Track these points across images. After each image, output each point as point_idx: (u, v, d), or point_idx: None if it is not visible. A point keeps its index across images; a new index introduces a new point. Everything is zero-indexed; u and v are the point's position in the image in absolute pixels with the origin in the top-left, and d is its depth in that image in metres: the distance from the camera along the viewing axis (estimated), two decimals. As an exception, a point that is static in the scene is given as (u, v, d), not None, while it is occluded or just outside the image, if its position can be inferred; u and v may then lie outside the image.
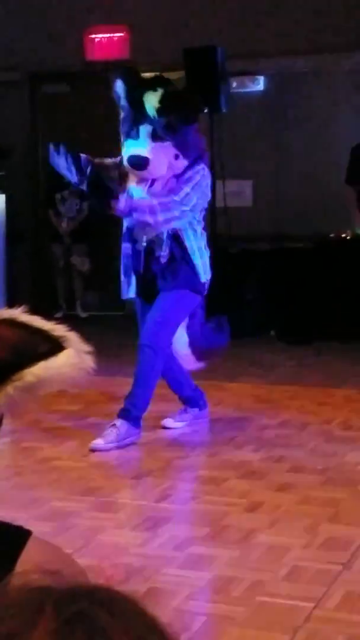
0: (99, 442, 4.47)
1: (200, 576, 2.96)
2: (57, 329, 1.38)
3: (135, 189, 4.56)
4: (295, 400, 5.39)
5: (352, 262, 7.48)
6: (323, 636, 2.54)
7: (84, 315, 9.18)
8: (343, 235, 7.80)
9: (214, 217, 8.70)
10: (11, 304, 1.41)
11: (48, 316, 1.42)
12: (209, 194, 4.75)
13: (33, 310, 1.39)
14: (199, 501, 3.74)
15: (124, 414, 4.59)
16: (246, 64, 8.88)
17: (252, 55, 8.76)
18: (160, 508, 3.67)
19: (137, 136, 4.52)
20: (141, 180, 4.56)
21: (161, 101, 4.46)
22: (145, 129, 4.50)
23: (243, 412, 5.27)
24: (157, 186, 4.55)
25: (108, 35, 9.29)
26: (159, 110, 4.45)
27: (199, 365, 4.89)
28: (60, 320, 1.42)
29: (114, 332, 8.46)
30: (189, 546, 3.22)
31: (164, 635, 0.64)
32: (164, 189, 4.53)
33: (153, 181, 4.54)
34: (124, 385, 6.28)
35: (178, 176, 4.54)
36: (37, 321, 1.37)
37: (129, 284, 4.81)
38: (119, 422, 4.55)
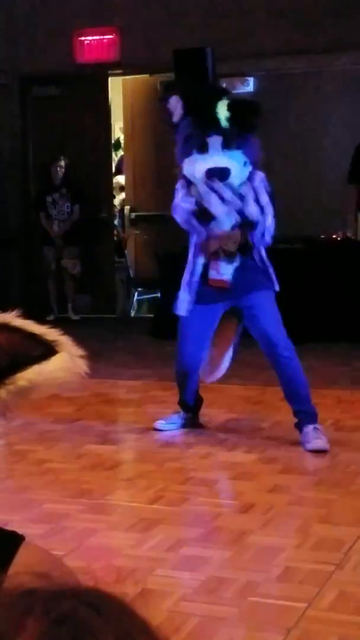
0: (324, 447, 4.44)
1: (192, 577, 2.97)
2: (50, 333, 1.38)
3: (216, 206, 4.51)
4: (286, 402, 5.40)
5: (341, 263, 7.50)
6: (316, 636, 2.55)
7: (75, 318, 9.18)
8: (334, 237, 7.83)
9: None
10: (3, 308, 1.42)
11: (40, 320, 1.43)
12: None
13: (25, 314, 1.40)
14: (192, 503, 3.75)
15: (310, 418, 4.56)
16: (236, 66, 8.89)
17: (241, 56, 8.78)
18: (152, 510, 3.67)
19: (206, 150, 4.46)
20: (217, 190, 4.51)
21: (230, 109, 4.42)
22: (215, 140, 4.44)
23: (235, 414, 5.29)
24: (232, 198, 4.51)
25: (98, 37, 9.30)
26: (229, 119, 4.41)
27: (218, 376, 4.88)
28: (52, 324, 1.43)
29: (106, 335, 8.47)
30: (181, 547, 3.23)
31: (154, 635, 0.64)
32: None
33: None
34: (117, 387, 6.30)
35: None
36: (30, 325, 1.38)
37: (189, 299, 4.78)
38: (312, 426, 4.52)
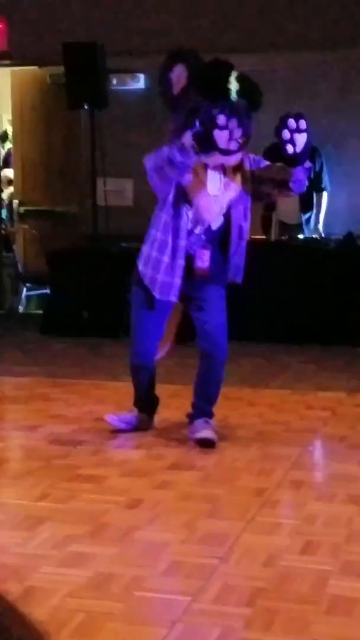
0: (212, 437, 4.51)
1: (79, 574, 2.97)
2: None
3: (210, 179, 4.28)
4: (175, 398, 5.45)
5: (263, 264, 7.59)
6: (200, 628, 2.60)
7: None
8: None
9: (95, 215, 8.71)
10: None
11: None
12: None
13: None
14: (79, 499, 3.76)
15: (204, 414, 4.61)
16: (126, 61, 8.90)
17: (132, 52, 8.79)
18: (39, 507, 3.66)
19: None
20: (216, 167, 4.28)
21: (241, 83, 4.17)
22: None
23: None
24: (228, 174, 4.32)
25: (-14, 28, 9.17)
26: (239, 92, 4.14)
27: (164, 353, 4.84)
28: None
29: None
30: (68, 544, 3.23)
31: (33, 629, 0.65)
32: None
33: (224, 169, 4.29)
34: (4, 384, 6.24)
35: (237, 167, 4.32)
36: None
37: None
38: (202, 419, 4.58)
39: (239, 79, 4.19)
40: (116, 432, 4.78)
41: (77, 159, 9.50)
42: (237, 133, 4.15)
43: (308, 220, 8.46)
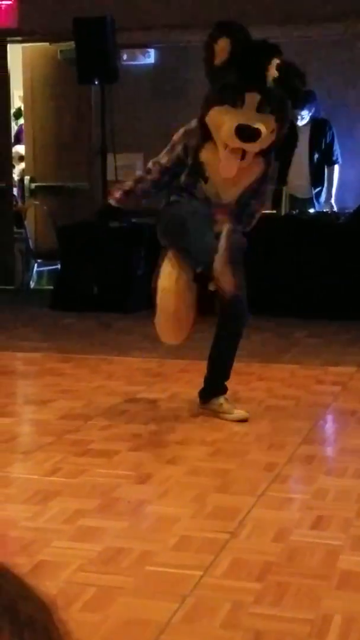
0: (247, 416, 4.56)
1: (90, 548, 2.98)
2: None
3: (224, 159, 4.21)
4: (185, 373, 5.46)
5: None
6: (210, 603, 2.60)
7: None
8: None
9: (105, 191, 8.68)
10: None
11: None
12: None
13: None
14: (90, 474, 3.77)
15: (216, 392, 4.66)
16: (137, 36, 8.85)
17: (142, 27, 8.73)
18: (50, 482, 3.67)
19: (241, 105, 4.12)
20: (234, 151, 4.19)
21: (281, 71, 4.11)
22: (252, 98, 4.11)
23: (133, 386, 5.31)
24: (248, 159, 4.23)
25: (-4, 3, 9.12)
26: (276, 80, 4.10)
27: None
28: None
29: (4, 307, 8.39)
30: (78, 519, 3.25)
31: (40, 603, 0.65)
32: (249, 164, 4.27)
33: (244, 154, 4.21)
34: (15, 359, 6.25)
35: (263, 154, 4.27)
36: None
37: None
38: (221, 399, 4.63)
39: (280, 67, 4.13)
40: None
41: (88, 135, 9.47)
42: (243, 117, 4.11)
43: (319, 194, 8.41)
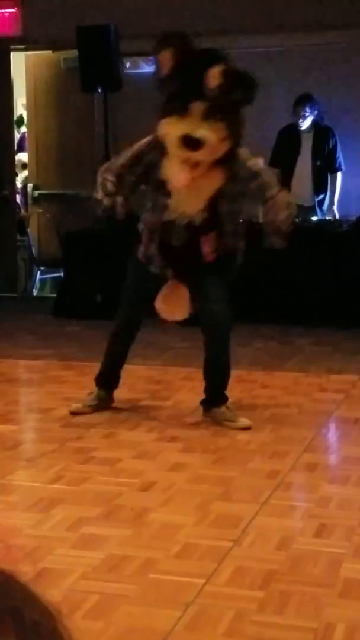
0: (250, 424, 4.59)
1: (93, 556, 2.98)
2: None
3: (176, 171, 4.26)
4: (188, 381, 5.46)
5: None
6: (213, 611, 2.60)
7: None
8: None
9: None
10: None
11: None
12: None
13: None
14: (93, 482, 3.77)
15: (217, 400, 4.68)
16: (140, 44, 8.86)
17: (145, 35, 8.75)
18: (53, 489, 3.68)
19: (186, 114, 4.15)
20: (185, 161, 4.22)
21: (224, 77, 4.12)
22: (198, 107, 4.13)
23: (136, 393, 5.31)
24: (201, 169, 4.26)
25: None
26: (220, 87, 4.11)
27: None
28: None
29: (7, 314, 8.40)
30: (81, 526, 3.25)
31: (44, 609, 0.65)
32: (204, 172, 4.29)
33: (196, 163, 4.23)
34: (18, 367, 6.25)
35: (221, 161, 4.27)
36: None
37: None
38: (223, 407, 4.65)
39: (225, 74, 4.14)
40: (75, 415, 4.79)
41: (91, 142, 9.48)
42: (189, 127, 4.15)
43: (322, 201, 8.41)
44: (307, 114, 8.13)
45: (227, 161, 4.33)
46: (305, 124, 8.17)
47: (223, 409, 4.65)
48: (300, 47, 8.72)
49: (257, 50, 8.82)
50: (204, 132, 4.14)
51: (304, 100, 8.14)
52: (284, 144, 8.23)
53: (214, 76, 4.12)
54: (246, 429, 4.56)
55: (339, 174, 8.37)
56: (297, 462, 4.06)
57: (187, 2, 8.66)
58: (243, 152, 4.43)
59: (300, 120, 8.14)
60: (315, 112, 8.16)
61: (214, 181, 4.35)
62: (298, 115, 8.13)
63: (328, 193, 8.39)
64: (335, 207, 8.44)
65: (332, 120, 8.34)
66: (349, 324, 7.32)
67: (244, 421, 4.60)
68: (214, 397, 4.69)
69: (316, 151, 8.23)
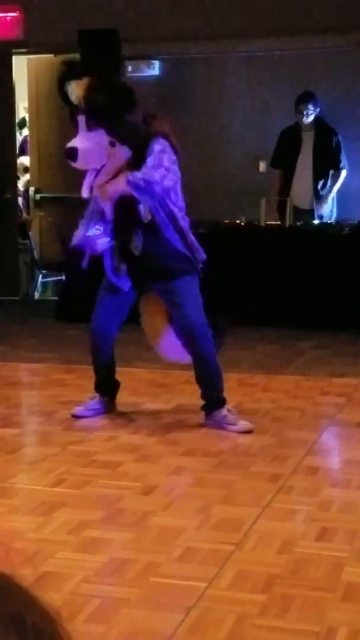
0: (251, 427, 4.57)
1: (94, 559, 2.98)
2: None
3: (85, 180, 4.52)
4: (190, 384, 5.44)
5: (245, 248, 7.58)
6: (215, 614, 2.60)
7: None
8: (237, 222, 7.91)
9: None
10: None
11: None
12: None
13: None
14: (94, 485, 3.77)
15: (220, 403, 4.64)
16: (141, 48, 8.87)
17: (147, 39, 8.76)
18: (55, 493, 3.67)
19: (77, 128, 4.43)
20: (89, 171, 4.49)
21: (86, 89, 4.34)
22: (81, 120, 4.39)
23: (138, 397, 5.31)
24: (102, 177, 4.49)
25: (1, 14, 9.16)
26: (85, 99, 4.34)
27: (186, 358, 4.74)
28: None
29: (9, 317, 8.40)
30: (83, 530, 3.24)
31: (43, 613, 0.65)
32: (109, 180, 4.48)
33: (98, 172, 4.47)
34: (19, 370, 6.26)
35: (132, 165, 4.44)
36: None
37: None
38: (224, 411, 4.63)
39: (88, 86, 4.33)
40: (76, 417, 4.80)
41: (92, 146, 9.48)
42: (73, 139, 4.42)
43: (318, 195, 8.27)
44: (309, 112, 8.11)
45: (137, 164, 4.45)
46: (308, 121, 8.15)
47: (224, 411, 4.65)
48: (303, 50, 8.72)
49: (258, 53, 8.83)
50: (84, 142, 4.39)
51: (306, 98, 8.13)
52: (285, 144, 8.23)
53: (75, 90, 4.36)
54: (247, 432, 4.55)
55: (343, 172, 8.29)
56: (298, 465, 4.06)
57: (189, 5, 8.67)
58: (149, 160, 4.47)
59: (303, 118, 8.12)
60: (318, 109, 8.15)
61: (119, 187, 4.48)
62: (301, 113, 8.11)
63: (327, 188, 8.31)
64: (334, 205, 8.37)
65: (333, 122, 8.33)
66: (350, 327, 7.31)
67: (245, 424, 4.60)
68: (210, 401, 4.69)
69: (317, 150, 8.19)
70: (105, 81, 4.47)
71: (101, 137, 4.39)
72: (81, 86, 4.36)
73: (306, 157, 8.22)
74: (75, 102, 4.37)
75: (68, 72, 4.46)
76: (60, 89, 4.45)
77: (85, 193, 4.54)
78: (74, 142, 4.42)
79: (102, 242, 4.63)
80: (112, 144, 4.41)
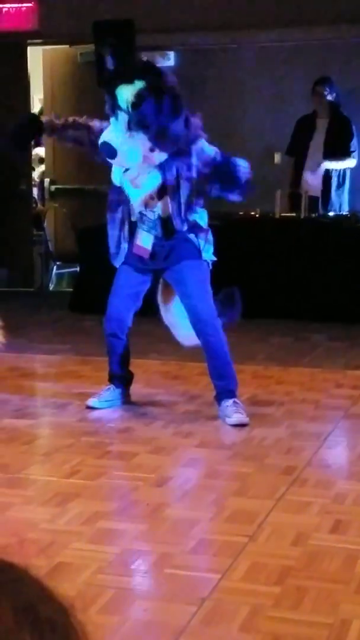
0: (245, 421, 4.53)
1: (108, 550, 2.99)
2: None
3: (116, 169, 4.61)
4: (204, 376, 5.44)
5: (257, 241, 7.56)
6: (229, 606, 2.60)
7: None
8: (252, 213, 7.89)
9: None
10: None
11: None
12: None
13: None
14: (108, 476, 3.77)
15: (229, 393, 4.63)
16: (156, 39, 8.85)
17: (162, 30, 8.74)
18: (69, 484, 3.68)
19: (117, 120, 4.43)
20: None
21: (136, 96, 4.33)
22: (122, 117, 4.39)
23: (152, 388, 5.31)
24: (131, 174, 4.53)
25: (16, 5, 9.14)
26: (132, 105, 4.32)
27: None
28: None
29: (24, 309, 8.40)
30: (97, 521, 3.25)
31: (56, 604, 0.65)
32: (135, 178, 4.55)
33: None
34: (34, 361, 6.27)
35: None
36: None
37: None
38: (230, 402, 4.60)
39: (138, 92, 4.32)
40: (90, 409, 4.79)
41: (107, 137, 9.47)
42: (110, 133, 4.46)
43: (328, 177, 8.23)
44: (326, 93, 8.09)
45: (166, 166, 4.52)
46: (323, 104, 8.12)
47: (228, 403, 4.61)
48: (319, 42, 8.69)
49: (273, 44, 8.79)
50: (116, 140, 4.42)
51: (323, 80, 8.13)
52: (301, 130, 8.23)
53: (124, 95, 4.38)
54: (238, 425, 4.51)
55: (353, 161, 8.24)
56: (313, 458, 4.05)
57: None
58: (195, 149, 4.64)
59: (320, 99, 8.10)
60: (334, 94, 8.13)
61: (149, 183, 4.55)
62: (318, 94, 8.09)
63: (338, 175, 8.26)
64: (343, 192, 8.32)
65: (348, 112, 8.29)
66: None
67: (237, 417, 4.56)
68: (218, 391, 4.68)
69: (329, 136, 8.16)
70: (154, 88, 4.38)
71: (142, 141, 4.39)
72: (131, 90, 4.35)
73: (319, 142, 8.18)
74: (123, 106, 4.36)
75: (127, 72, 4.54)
76: (107, 86, 4.50)
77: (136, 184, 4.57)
78: (112, 139, 4.40)
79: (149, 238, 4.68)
80: (152, 150, 4.42)
